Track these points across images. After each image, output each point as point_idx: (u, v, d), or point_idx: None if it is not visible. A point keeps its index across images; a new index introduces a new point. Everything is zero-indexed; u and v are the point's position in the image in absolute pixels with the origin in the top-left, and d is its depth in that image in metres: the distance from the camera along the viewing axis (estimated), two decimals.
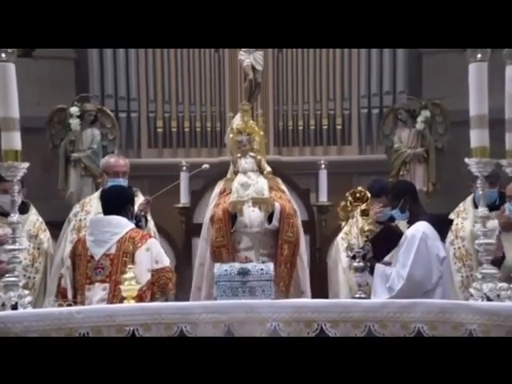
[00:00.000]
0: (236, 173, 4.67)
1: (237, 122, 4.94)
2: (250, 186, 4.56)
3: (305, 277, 4.74)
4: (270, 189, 4.74)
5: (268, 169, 4.70)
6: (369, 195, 3.93)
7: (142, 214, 4.38)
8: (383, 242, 3.86)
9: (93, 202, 4.85)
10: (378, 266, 3.82)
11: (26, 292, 3.13)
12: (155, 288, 3.65)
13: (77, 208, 4.96)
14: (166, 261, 3.76)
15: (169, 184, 5.33)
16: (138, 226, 4.02)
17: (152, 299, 3.59)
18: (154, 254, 3.70)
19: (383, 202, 4.24)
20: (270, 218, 4.62)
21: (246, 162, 4.63)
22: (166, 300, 3.76)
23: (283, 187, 4.91)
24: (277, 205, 4.63)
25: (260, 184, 4.56)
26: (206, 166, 5.20)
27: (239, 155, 4.68)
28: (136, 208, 4.15)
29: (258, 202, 4.53)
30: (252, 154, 4.66)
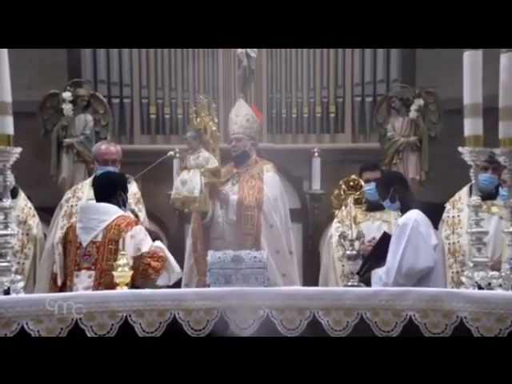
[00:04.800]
0: (184, 169, 4.56)
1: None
2: (186, 184, 4.46)
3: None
4: (250, 177, 4.71)
5: (211, 165, 4.47)
6: (362, 183, 3.94)
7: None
8: (383, 252, 3.84)
9: (84, 188, 4.84)
10: (373, 273, 3.80)
11: (19, 277, 3.13)
12: (136, 275, 3.59)
13: (68, 194, 4.95)
14: (145, 246, 3.66)
15: (161, 171, 5.34)
16: None
17: (133, 286, 3.51)
18: (136, 241, 3.68)
19: (377, 176, 4.39)
20: None
21: (193, 159, 4.52)
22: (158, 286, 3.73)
23: (268, 174, 4.82)
24: (233, 198, 4.62)
25: (193, 182, 4.41)
26: (171, 153, 5.20)
27: (190, 151, 4.53)
28: None
29: (188, 200, 4.46)
30: (199, 150, 4.48)
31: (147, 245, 3.72)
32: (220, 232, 4.64)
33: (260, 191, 4.70)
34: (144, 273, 3.60)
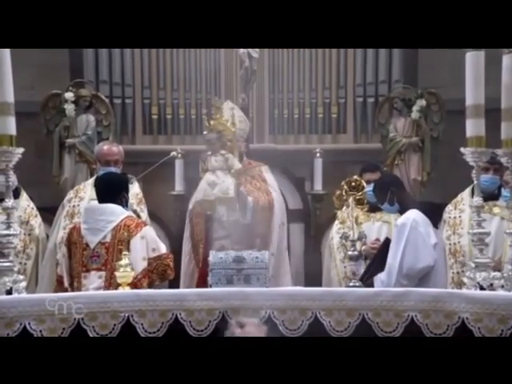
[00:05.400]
0: (206, 171, 4.61)
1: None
2: (217, 185, 4.49)
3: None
4: (252, 178, 4.73)
5: (236, 166, 4.58)
6: (364, 184, 3.95)
7: None
8: (384, 258, 3.84)
9: (87, 189, 4.85)
10: (376, 279, 3.80)
11: (21, 277, 3.13)
12: (154, 276, 3.68)
13: (71, 194, 4.96)
14: (162, 248, 3.77)
15: (163, 171, 5.34)
16: None
17: (150, 287, 3.61)
18: (149, 242, 3.70)
19: (377, 177, 4.46)
20: None
21: (215, 160, 4.55)
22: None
23: (268, 175, 4.86)
24: (249, 199, 4.64)
25: (226, 183, 4.48)
26: (173, 153, 5.22)
27: (209, 153, 4.60)
28: None
29: (223, 201, 4.48)
30: (223, 152, 4.57)
31: (163, 245, 3.77)
32: (225, 231, 4.65)
33: (269, 193, 4.76)
34: (164, 273, 3.73)
